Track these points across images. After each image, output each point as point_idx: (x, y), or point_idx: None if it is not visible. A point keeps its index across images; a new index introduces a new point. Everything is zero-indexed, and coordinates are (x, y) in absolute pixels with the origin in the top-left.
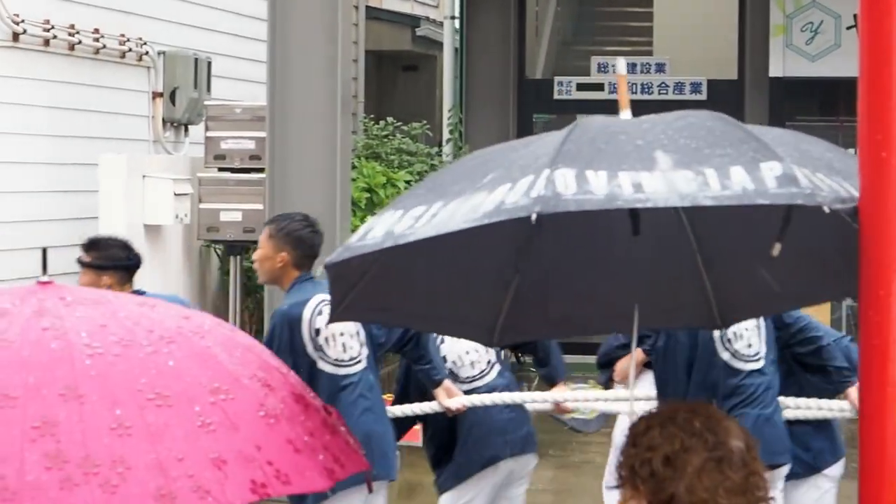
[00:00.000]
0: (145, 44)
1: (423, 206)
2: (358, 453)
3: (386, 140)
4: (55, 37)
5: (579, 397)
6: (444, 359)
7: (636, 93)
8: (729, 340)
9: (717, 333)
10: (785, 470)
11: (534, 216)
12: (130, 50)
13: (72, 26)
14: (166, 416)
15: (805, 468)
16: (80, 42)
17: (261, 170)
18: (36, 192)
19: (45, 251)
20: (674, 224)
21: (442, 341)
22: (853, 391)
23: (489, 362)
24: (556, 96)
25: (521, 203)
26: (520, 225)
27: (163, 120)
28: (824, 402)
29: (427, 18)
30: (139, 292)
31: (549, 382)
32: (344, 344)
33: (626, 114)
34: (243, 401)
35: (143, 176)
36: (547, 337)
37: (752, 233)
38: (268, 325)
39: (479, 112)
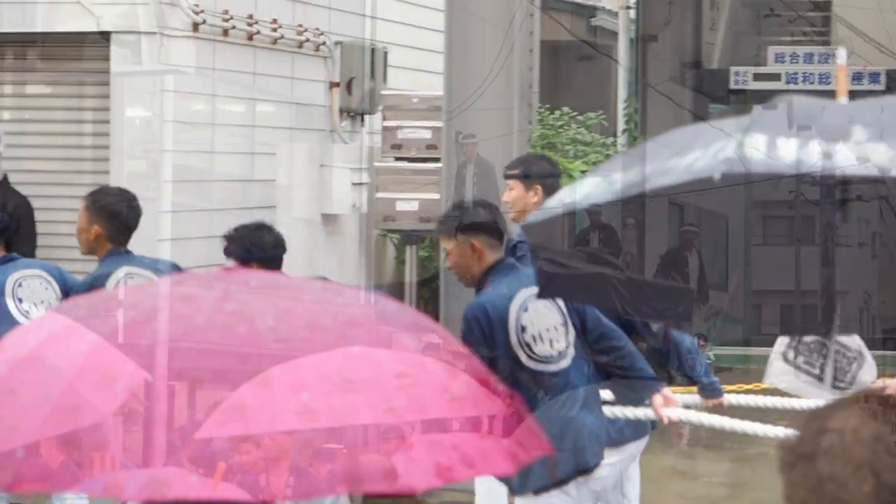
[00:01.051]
0: (322, 34)
1: (621, 173)
2: (541, 438)
3: (561, 130)
4: (234, 27)
5: None
6: None
7: (814, 83)
8: (528, 344)
9: (514, 338)
10: (600, 471)
11: (717, 175)
12: (308, 40)
13: (250, 16)
14: (352, 400)
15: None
16: (258, 32)
17: (437, 159)
18: (216, 181)
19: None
20: None
21: None
22: (657, 398)
23: None
24: (732, 86)
25: (708, 164)
26: None
27: (339, 110)
28: (629, 410)
29: (602, 8)
30: (11, 258)
31: None
32: None
33: (842, 101)
34: (428, 385)
35: (321, 165)
36: None
37: None
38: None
39: (654, 102)
